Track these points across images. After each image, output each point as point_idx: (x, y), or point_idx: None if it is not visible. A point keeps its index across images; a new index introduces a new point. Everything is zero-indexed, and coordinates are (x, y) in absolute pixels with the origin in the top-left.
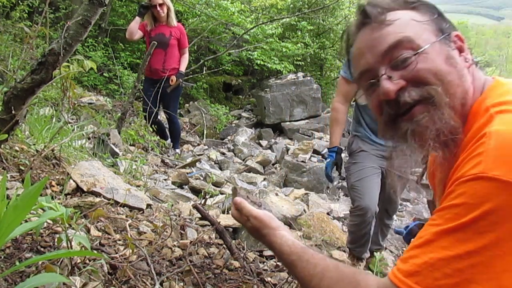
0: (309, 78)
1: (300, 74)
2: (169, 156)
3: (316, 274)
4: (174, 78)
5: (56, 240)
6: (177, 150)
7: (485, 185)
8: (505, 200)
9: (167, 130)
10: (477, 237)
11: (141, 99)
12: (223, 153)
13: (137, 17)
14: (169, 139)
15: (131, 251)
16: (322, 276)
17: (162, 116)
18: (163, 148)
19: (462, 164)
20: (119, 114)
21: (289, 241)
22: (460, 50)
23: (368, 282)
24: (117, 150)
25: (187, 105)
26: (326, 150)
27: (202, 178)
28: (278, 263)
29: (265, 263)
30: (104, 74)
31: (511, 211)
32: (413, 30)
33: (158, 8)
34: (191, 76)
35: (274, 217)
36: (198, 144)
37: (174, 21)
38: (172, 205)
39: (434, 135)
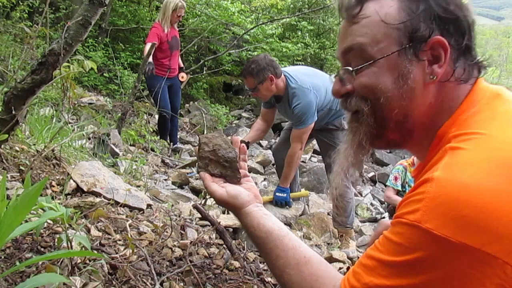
0: None
1: None
2: (176, 149)
3: (277, 266)
4: (184, 74)
5: (56, 240)
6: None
7: (419, 234)
8: (435, 252)
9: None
10: (410, 276)
11: (141, 99)
12: None
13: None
14: (169, 138)
15: (131, 251)
16: (282, 271)
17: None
18: (163, 149)
19: (406, 201)
20: (119, 114)
21: (254, 222)
22: (435, 60)
23: None
24: (117, 150)
25: (187, 105)
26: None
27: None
28: None
29: (265, 263)
30: (105, 74)
31: (439, 261)
32: (373, 35)
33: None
34: (192, 76)
35: (240, 191)
36: None
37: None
38: (172, 205)
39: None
